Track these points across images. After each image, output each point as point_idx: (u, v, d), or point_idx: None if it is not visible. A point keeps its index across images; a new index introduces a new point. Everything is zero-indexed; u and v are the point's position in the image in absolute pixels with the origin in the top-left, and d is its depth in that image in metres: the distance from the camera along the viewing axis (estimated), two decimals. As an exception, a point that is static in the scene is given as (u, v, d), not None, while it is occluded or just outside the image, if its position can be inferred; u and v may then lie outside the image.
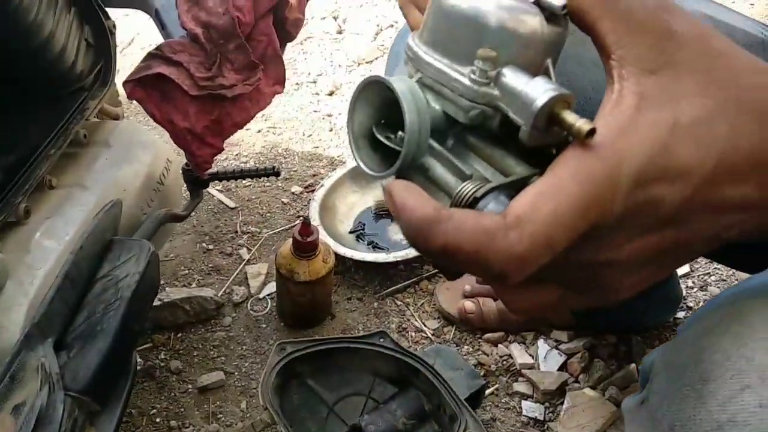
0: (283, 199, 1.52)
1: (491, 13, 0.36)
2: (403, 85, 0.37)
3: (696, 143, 0.33)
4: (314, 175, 1.58)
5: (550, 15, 0.37)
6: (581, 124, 0.32)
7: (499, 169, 0.37)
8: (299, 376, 1.07)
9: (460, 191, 0.35)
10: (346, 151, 1.66)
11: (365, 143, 0.41)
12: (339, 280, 1.32)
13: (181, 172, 1.09)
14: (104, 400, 0.67)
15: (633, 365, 1.15)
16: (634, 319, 1.19)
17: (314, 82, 1.88)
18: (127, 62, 1.87)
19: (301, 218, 1.39)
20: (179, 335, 1.24)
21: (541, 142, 0.35)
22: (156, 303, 1.22)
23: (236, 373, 1.19)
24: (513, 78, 0.35)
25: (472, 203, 0.35)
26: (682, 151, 0.33)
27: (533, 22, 0.36)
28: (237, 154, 1.64)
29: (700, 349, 0.41)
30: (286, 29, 0.98)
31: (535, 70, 0.37)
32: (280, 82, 0.98)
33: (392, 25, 2.06)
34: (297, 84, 1.86)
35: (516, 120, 0.35)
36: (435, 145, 0.38)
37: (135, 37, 1.95)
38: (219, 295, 1.30)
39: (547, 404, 1.14)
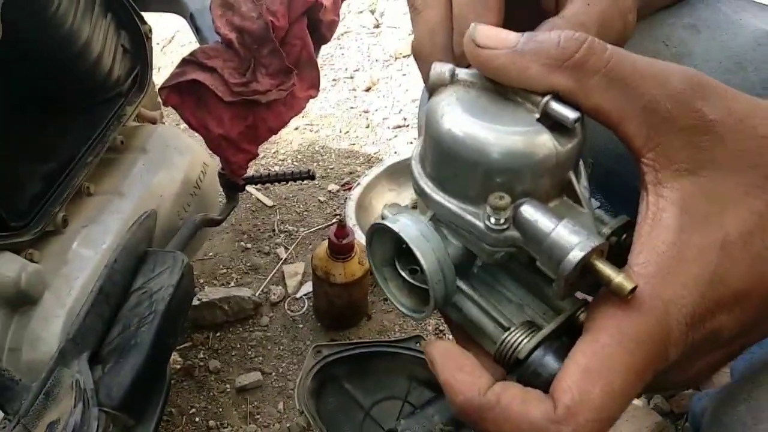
0: (319, 198, 1.51)
1: (493, 147, 0.31)
2: (414, 231, 0.33)
3: (750, 259, 0.30)
4: (351, 173, 1.57)
5: (562, 127, 0.32)
6: (621, 280, 0.29)
7: (539, 297, 0.35)
8: (336, 379, 1.06)
9: (502, 347, 0.33)
10: (383, 148, 1.64)
11: (391, 273, 0.38)
12: (375, 280, 1.31)
13: (217, 176, 1.09)
14: (139, 415, 0.67)
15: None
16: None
17: (351, 77, 1.86)
18: (167, 60, 1.88)
19: (338, 217, 1.38)
20: (218, 334, 1.25)
21: (574, 292, 0.33)
22: (195, 303, 1.23)
23: (273, 374, 1.19)
24: (534, 220, 0.31)
25: (518, 361, 0.33)
26: (736, 274, 0.30)
27: (543, 148, 0.31)
28: (275, 152, 1.64)
29: (759, 407, 0.38)
30: (321, 32, 0.96)
31: (558, 189, 0.33)
32: (315, 86, 0.96)
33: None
34: (334, 80, 1.85)
35: (544, 270, 0.32)
36: (463, 287, 0.35)
37: (175, 34, 1.96)
38: (257, 294, 1.30)
39: (588, 413, 1.10)
